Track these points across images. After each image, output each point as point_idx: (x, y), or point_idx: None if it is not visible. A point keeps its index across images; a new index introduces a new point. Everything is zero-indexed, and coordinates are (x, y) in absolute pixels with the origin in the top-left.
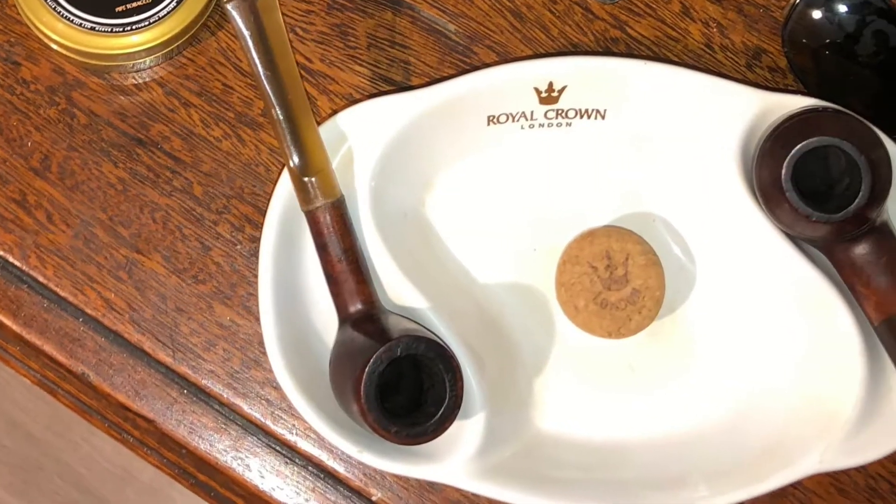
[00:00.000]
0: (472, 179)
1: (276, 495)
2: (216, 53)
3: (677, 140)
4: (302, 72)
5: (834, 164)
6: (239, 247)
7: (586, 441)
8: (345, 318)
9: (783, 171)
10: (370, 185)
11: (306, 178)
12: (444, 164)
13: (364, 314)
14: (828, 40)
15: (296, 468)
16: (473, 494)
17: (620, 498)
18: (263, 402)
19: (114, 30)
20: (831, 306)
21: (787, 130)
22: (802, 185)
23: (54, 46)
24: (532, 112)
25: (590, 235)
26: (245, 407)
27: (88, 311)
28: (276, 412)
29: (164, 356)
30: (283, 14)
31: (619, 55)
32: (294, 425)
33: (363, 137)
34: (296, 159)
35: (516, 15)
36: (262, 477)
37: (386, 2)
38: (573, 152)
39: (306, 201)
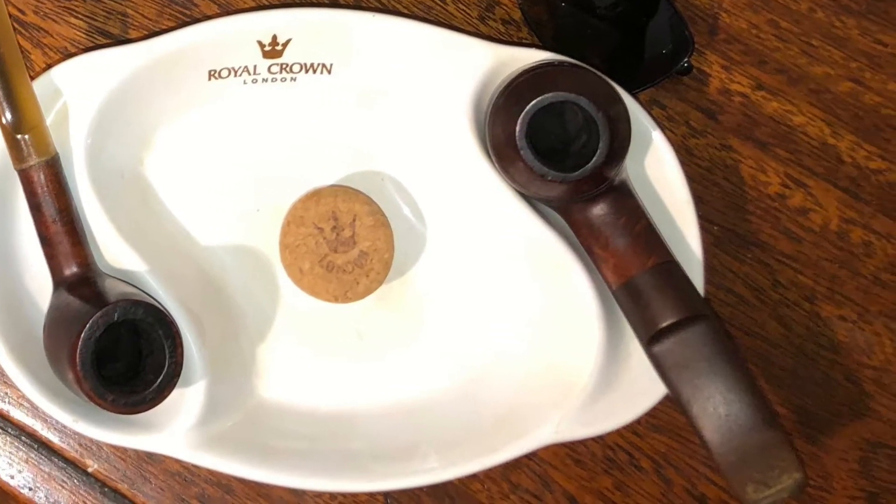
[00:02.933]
0: (192, 137)
1: None
2: None
3: (407, 96)
4: (14, 24)
5: (570, 121)
6: None
7: (312, 410)
8: (60, 282)
9: (517, 129)
10: (86, 142)
11: (19, 136)
12: (164, 121)
13: (80, 277)
14: None
15: (8, 438)
16: (194, 466)
17: (348, 469)
18: None
19: None
20: (567, 269)
21: (521, 86)
22: (538, 142)
23: None
24: (255, 66)
25: (315, 195)
26: None
27: None
28: None
29: None
30: None
31: (346, 7)
32: (6, 393)
33: (79, 93)
34: (8, 116)
35: None
36: None
37: None
38: (299, 108)
39: (19, 160)
